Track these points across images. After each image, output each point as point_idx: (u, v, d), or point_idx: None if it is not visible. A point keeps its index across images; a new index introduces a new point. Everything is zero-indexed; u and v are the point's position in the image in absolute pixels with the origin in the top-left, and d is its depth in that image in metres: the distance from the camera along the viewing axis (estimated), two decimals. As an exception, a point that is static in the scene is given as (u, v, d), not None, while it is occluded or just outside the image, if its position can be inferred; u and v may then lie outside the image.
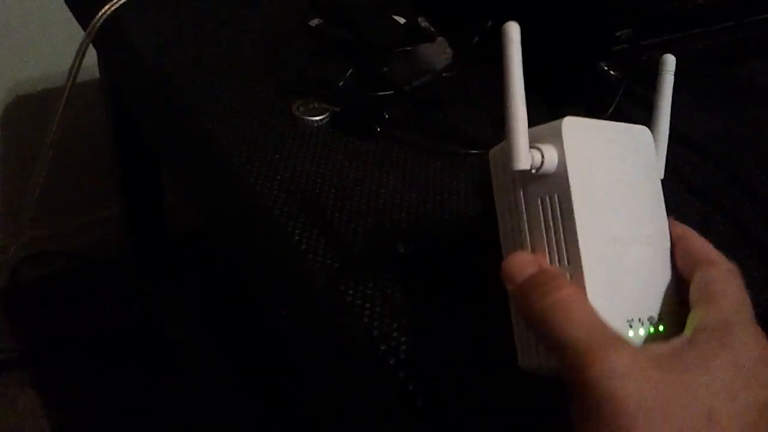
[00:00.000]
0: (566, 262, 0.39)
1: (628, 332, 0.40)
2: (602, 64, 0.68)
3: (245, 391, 0.86)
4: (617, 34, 0.66)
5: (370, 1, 0.79)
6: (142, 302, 1.08)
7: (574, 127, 0.41)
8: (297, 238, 0.53)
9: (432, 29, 0.73)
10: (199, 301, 0.99)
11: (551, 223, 0.41)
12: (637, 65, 0.68)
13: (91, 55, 0.82)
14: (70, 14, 0.83)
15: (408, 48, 0.72)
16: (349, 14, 0.76)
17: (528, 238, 0.41)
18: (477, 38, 0.72)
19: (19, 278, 1.17)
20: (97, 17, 0.74)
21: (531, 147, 0.40)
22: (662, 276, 0.43)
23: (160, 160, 0.96)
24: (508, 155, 0.40)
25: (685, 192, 0.62)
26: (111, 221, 1.19)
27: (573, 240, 0.39)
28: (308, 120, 0.64)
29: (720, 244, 0.56)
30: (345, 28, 0.74)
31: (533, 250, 0.41)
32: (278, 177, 0.58)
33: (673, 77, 0.47)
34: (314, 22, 0.76)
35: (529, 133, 0.41)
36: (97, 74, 0.98)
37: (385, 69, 0.68)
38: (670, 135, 0.68)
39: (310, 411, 0.54)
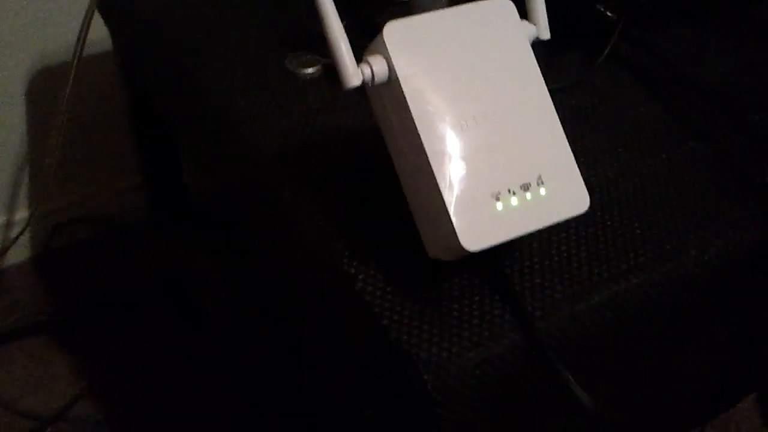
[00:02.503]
0: (417, 156, 0.42)
1: (496, 206, 0.42)
2: (599, 5, 0.67)
3: (264, 340, 0.89)
4: (612, -27, 0.65)
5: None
6: (168, 262, 1.11)
7: (397, 31, 0.43)
8: (290, 193, 0.54)
9: (428, -21, 0.73)
10: (221, 258, 1.01)
11: (399, 124, 0.44)
12: (633, 6, 0.66)
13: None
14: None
15: (404, -1, 0.72)
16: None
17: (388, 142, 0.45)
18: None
19: (51, 246, 1.22)
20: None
21: (361, 62, 0.43)
22: (538, 138, 0.45)
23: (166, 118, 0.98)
24: (339, 76, 0.43)
25: (684, 133, 0.61)
26: (137, 187, 1.22)
27: (416, 136, 0.42)
28: (300, 72, 0.65)
29: (717, 188, 0.56)
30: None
31: (391, 150, 0.45)
32: (274, 131, 0.59)
33: None
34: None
35: (366, 50, 0.44)
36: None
37: (379, 20, 0.68)
38: (669, 72, 0.67)
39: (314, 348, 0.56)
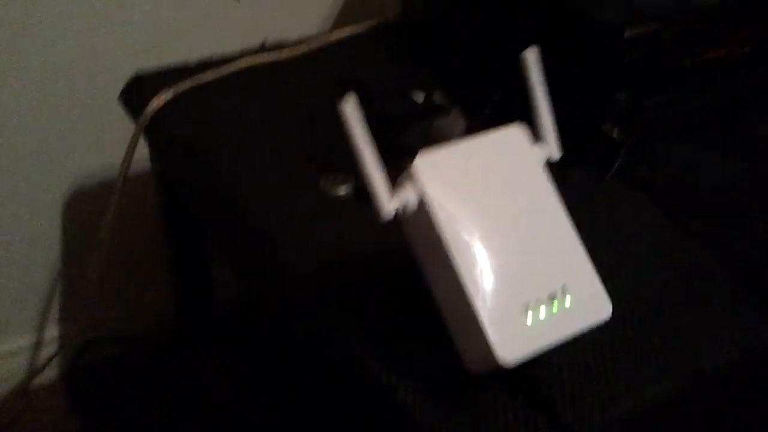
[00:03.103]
0: (451, 277, 0.46)
1: (526, 318, 0.46)
2: (605, 124, 0.72)
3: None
4: (616, 96, 0.71)
5: (391, 79, 0.85)
6: (195, 374, 1.13)
7: (426, 163, 0.48)
8: (325, 307, 0.58)
9: (446, 103, 0.79)
10: (248, 368, 1.04)
11: (432, 248, 0.47)
12: (639, 124, 0.72)
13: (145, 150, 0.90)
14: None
15: (425, 122, 0.78)
16: (371, 94, 0.82)
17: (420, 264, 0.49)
18: (489, 108, 0.78)
19: (78, 364, 1.24)
20: (146, 112, 0.82)
21: (394, 194, 0.47)
22: (558, 251, 0.49)
23: (207, 236, 1.02)
24: (375, 209, 0.47)
25: (686, 239, 0.64)
26: (167, 302, 1.25)
27: (449, 258, 0.46)
28: (333, 192, 0.69)
29: (723, 292, 0.59)
30: (368, 106, 0.81)
31: (424, 270, 0.48)
32: (308, 246, 0.63)
33: (538, 68, 0.53)
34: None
35: (398, 181, 0.47)
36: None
37: (403, 141, 0.74)
38: (671, 184, 0.71)
39: None
